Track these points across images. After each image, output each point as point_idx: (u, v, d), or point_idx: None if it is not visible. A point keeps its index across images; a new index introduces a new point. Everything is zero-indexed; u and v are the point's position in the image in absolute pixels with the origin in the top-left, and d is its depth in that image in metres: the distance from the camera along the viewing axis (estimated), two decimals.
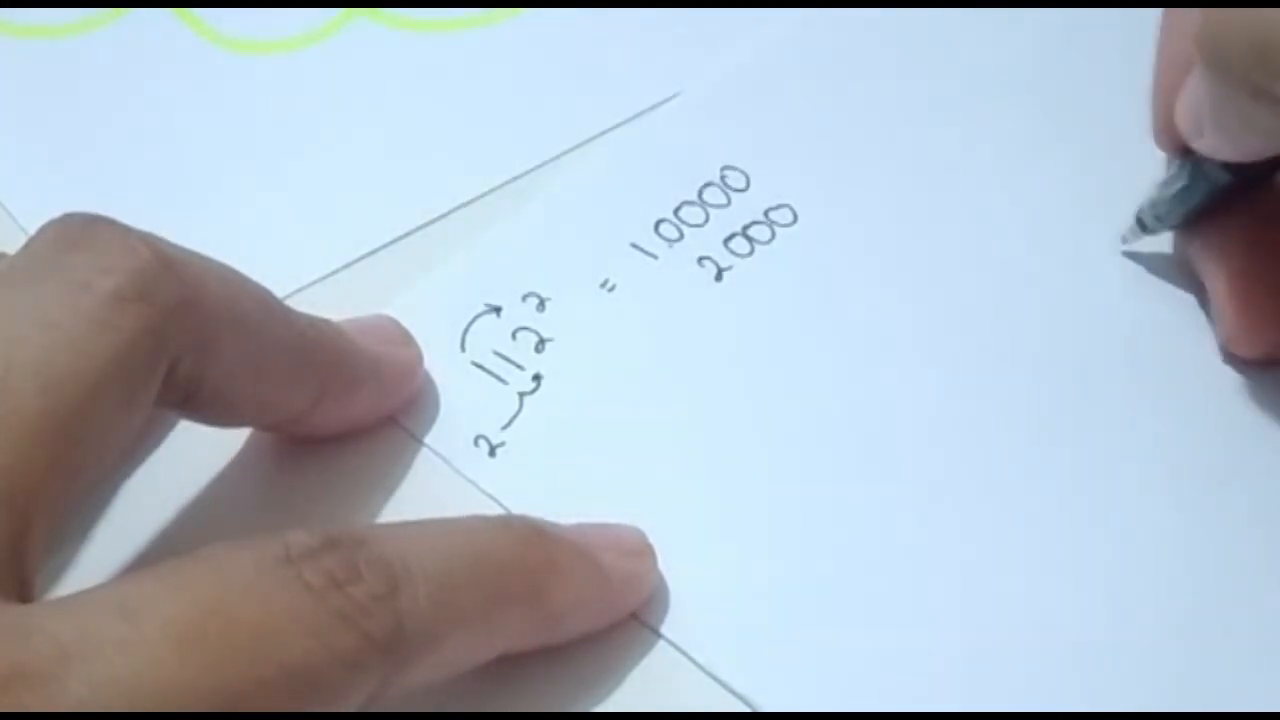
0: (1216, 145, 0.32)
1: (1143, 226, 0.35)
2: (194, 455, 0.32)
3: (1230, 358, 0.34)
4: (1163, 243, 0.36)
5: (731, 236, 0.36)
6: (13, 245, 0.28)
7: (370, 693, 0.24)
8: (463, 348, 0.34)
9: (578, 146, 0.38)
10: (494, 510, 0.32)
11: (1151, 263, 0.36)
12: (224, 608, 0.23)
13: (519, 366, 0.34)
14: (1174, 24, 0.34)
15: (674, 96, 0.39)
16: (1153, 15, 0.34)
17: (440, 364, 0.34)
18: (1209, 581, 0.30)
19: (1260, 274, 0.33)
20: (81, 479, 0.26)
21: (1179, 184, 0.34)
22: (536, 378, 0.34)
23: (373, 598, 0.24)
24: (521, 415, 0.33)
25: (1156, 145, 0.35)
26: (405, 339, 0.33)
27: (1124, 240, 0.36)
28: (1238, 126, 0.30)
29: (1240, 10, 0.28)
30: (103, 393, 0.25)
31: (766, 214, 0.37)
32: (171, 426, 0.32)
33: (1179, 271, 0.35)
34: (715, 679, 0.29)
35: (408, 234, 0.37)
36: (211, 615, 0.23)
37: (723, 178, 0.37)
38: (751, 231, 0.36)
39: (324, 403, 0.31)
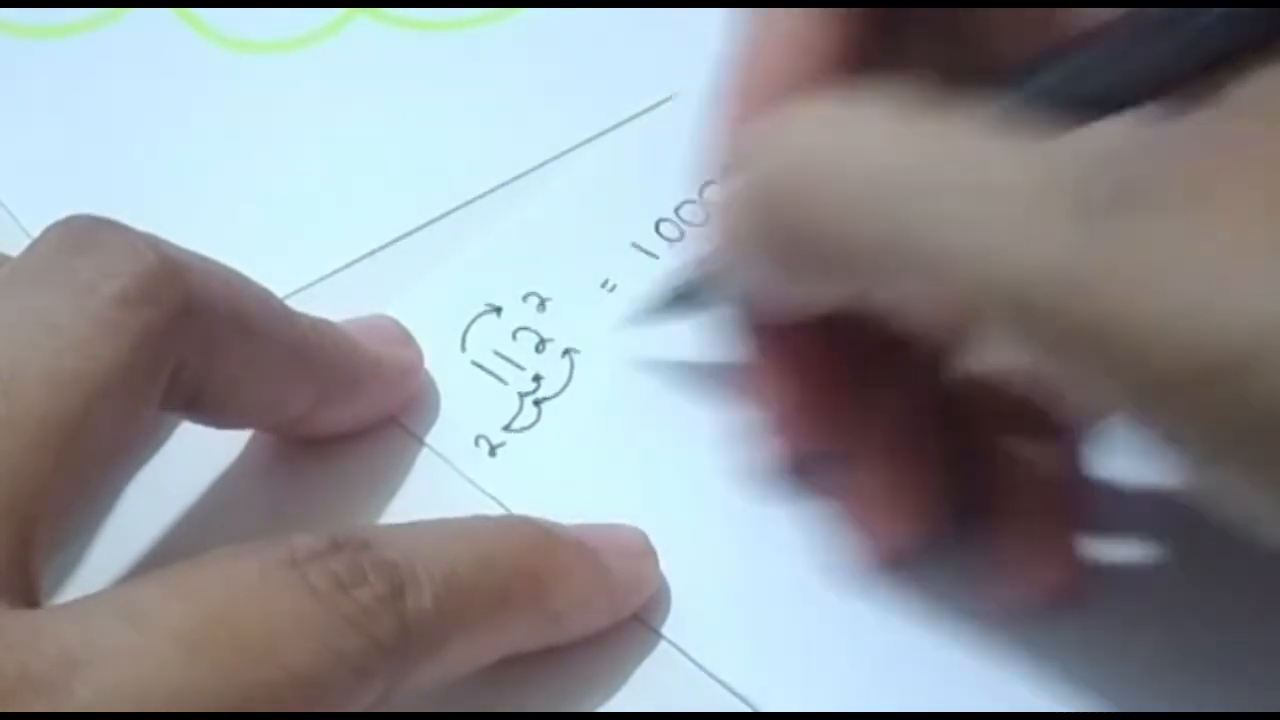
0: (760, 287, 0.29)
1: (669, 308, 0.33)
2: (197, 457, 0.32)
3: None
4: None
5: None
6: (14, 246, 0.28)
7: (377, 695, 0.24)
8: (463, 348, 0.34)
9: (578, 146, 0.38)
10: (495, 510, 0.32)
11: None
12: (229, 612, 0.23)
13: (519, 366, 0.34)
14: (755, 61, 0.31)
15: (674, 95, 0.39)
16: None
17: (441, 364, 0.34)
18: None
19: None
20: (87, 482, 0.26)
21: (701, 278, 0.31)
22: (537, 378, 0.34)
23: (378, 600, 0.24)
24: (522, 415, 0.33)
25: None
26: (405, 339, 0.33)
27: (631, 320, 0.34)
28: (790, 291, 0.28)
29: (801, 202, 0.26)
30: (109, 395, 0.25)
31: None
32: (174, 429, 0.32)
33: None
34: (715, 679, 0.29)
35: (408, 234, 0.37)
36: (217, 620, 0.23)
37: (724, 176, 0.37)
38: None
39: (325, 403, 0.31)
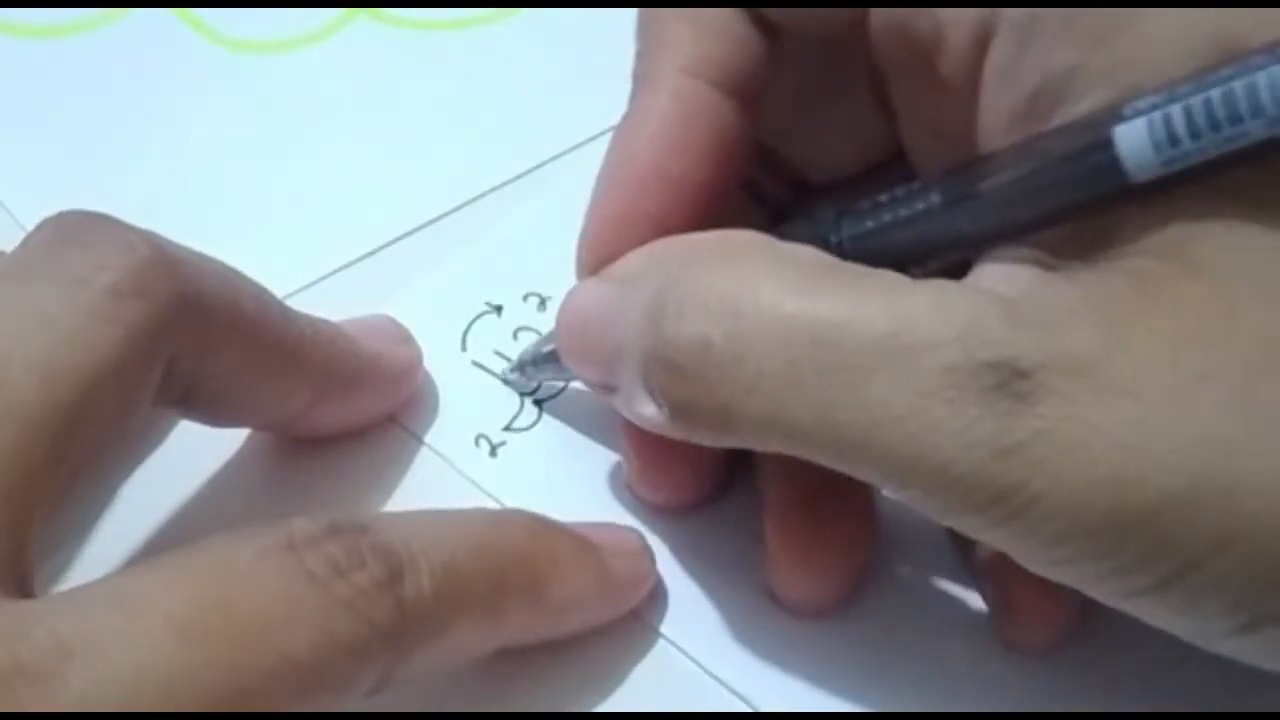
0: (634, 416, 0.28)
1: (522, 371, 0.33)
2: (194, 456, 0.32)
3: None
4: None
5: None
6: (12, 244, 0.28)
7: (374, 680, 0.24)
8: (464, 347, 0.34)
9: (578, 146, 0.38)
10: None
11: None
12: (225, 598, 0.23)
13: None
14: (626, 157, 0.30)
15: None
16: None
17: (441, 363, 0.34)
18: None
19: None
20: (81, 474, 0.26)
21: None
22: None
23: (375, 584, 0.24)
24: (522, 415, 0.33)
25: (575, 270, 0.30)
26: (404, 337, 0.33)
27: (504, 377, 0.33)
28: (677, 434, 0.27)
29: (698, 382, 0.25)
30: (102, 387, 0.25)
31: None
32: (172, 427, 0.32)
33: None
34: (715, 679, 0.29)
35: (408, 234, 0.37)
36: (212, 606, 0.23)
37: None
38: None
39: (323, 402, 0.31)
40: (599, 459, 0.32)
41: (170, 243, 0.27)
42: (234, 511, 0.32)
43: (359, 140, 0.39)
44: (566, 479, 0.32)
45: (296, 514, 0.31)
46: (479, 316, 0.35)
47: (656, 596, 0.30)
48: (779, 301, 0.25)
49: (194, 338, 0.27)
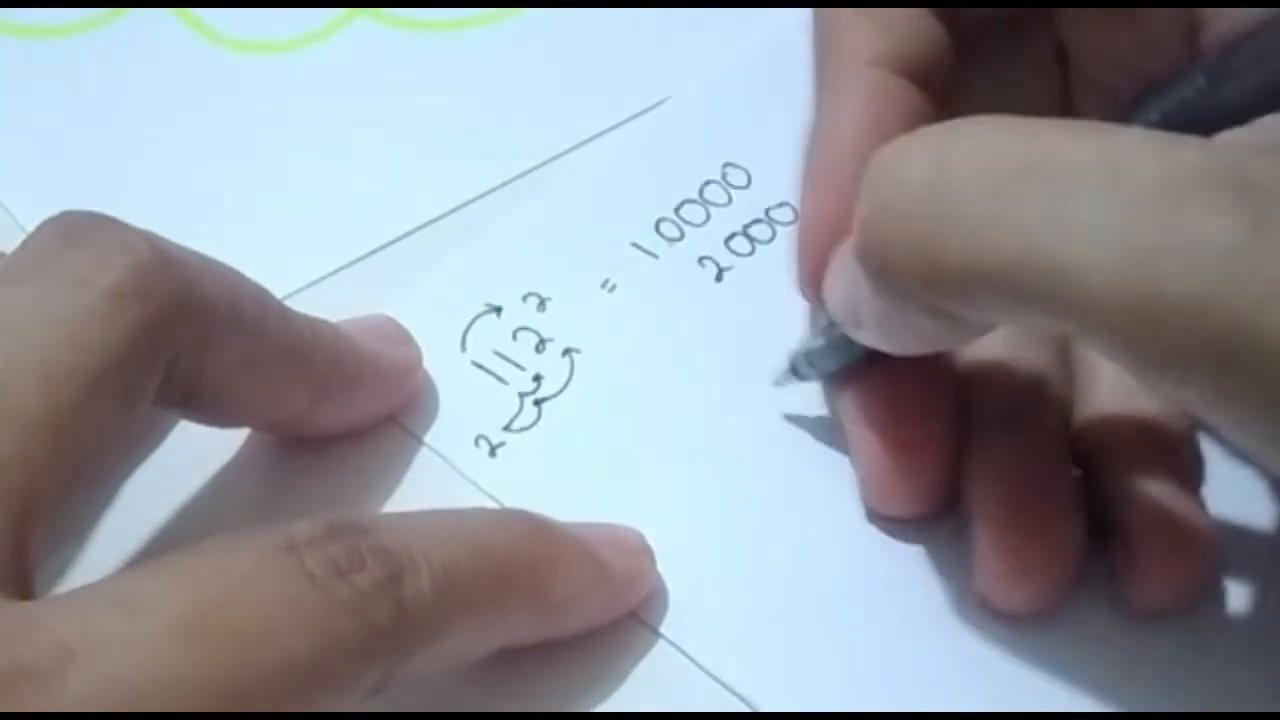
0: (877, 340, 0.28)
1: (796, 373, 0.32)
2: (194, 456, 0.32)
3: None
4: None
5: (732, 236, 0.36)
6: (13, 245, 0.28)
7: (375, 681, 0.24)
8: (463, 348, 0.34)
9: (578, 145, 0.38)
10: None
11: None
12: (225, 599, 0.23)
13: (519, 366, 0.34)
14: (826, 154, 0.30)
15: (674, 95, 0.39)
16: None
17: (441, 364, 0.34)
18: None
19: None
20: (81, 475, 0.26)
21: (829, 340, 0.31)
22: (537, 378, 0.34)
23: (376, 585, 0.24)
24: (522, 415, 0.33)
25: (802, 296, 0.31)
26: (404, 338, 0.33)
27: (775, 382, 0.33)
28: (904, 332, 0.27)
29: (905, 219, 0.24)
30: (102, 388, 0.25)
31: (768, 212, 0.36)
32: (171, 427, 0.32)
33: None
34: (715, 679, 0.29)
35: (408, 234, 0.37)
36: (212, 607, 0.23)
37: (724, 175, 0.37)
38: (753, 230, 0.36)
39: (323, 403, 0.31)
40: (599, 459, 0.32)
41: (170, 243, 0.27)
42: (234, 511, 0.32)
43: (359, 140, 0.39)
44: (566, 479, 0.32)
45: (296, 514, 0.31)
46: (478, 317, 0.35)
47: (656, 596, 0.30)
48: (989, 134, 0.24)
49: (194, 338, 0.27)
